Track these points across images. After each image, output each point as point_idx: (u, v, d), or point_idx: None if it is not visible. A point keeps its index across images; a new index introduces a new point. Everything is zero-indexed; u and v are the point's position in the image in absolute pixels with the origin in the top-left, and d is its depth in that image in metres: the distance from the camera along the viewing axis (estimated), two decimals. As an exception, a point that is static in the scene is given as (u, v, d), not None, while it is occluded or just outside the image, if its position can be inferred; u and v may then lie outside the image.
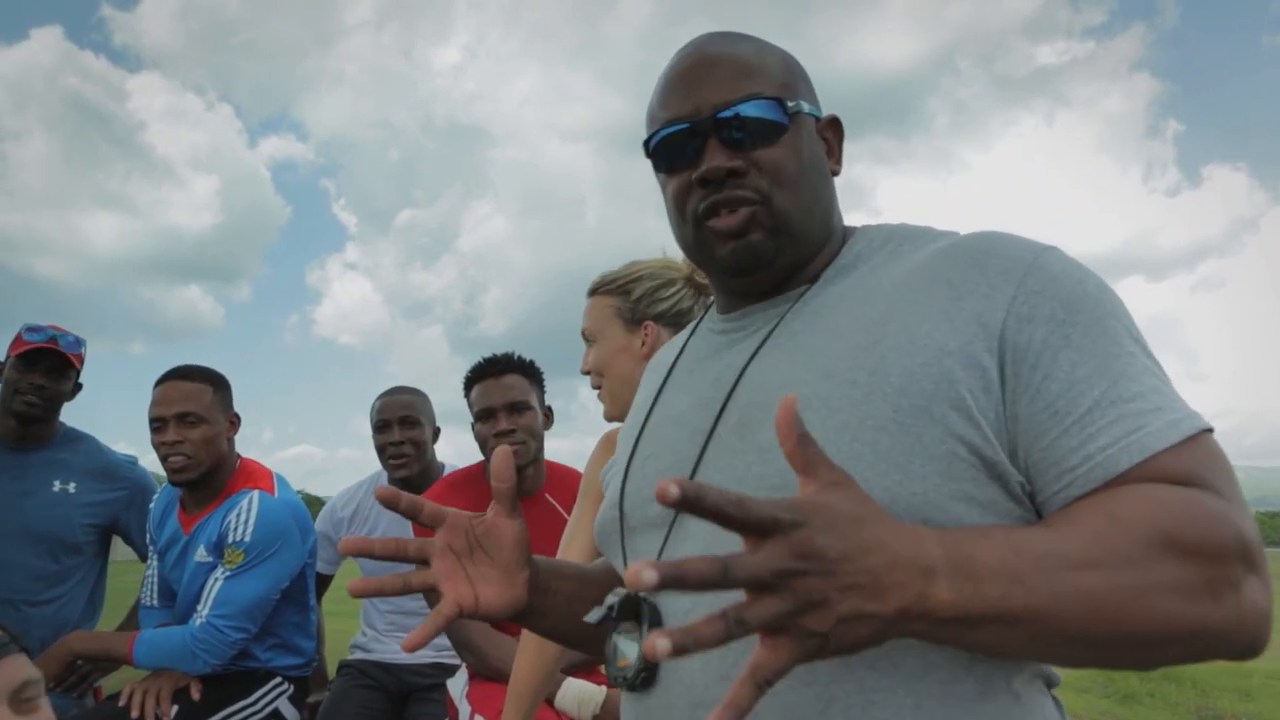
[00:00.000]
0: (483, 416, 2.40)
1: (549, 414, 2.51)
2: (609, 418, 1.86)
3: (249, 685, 2.40)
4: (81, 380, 2.77)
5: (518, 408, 2.39)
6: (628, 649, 0.88)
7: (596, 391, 1.88)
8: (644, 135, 0.99)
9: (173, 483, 2.44)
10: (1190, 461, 0.75)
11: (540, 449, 2.45)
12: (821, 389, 0.83)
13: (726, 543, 0.83)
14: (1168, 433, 0.76)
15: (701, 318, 1.10)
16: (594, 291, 1.90)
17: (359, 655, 2.89)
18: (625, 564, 0.96)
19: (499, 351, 2.50)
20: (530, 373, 2.47)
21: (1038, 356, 0.79)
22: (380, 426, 2.86)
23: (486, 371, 2.44)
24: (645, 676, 0.87)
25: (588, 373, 1.88)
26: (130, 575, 2.72)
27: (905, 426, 0.79)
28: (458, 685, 2.34)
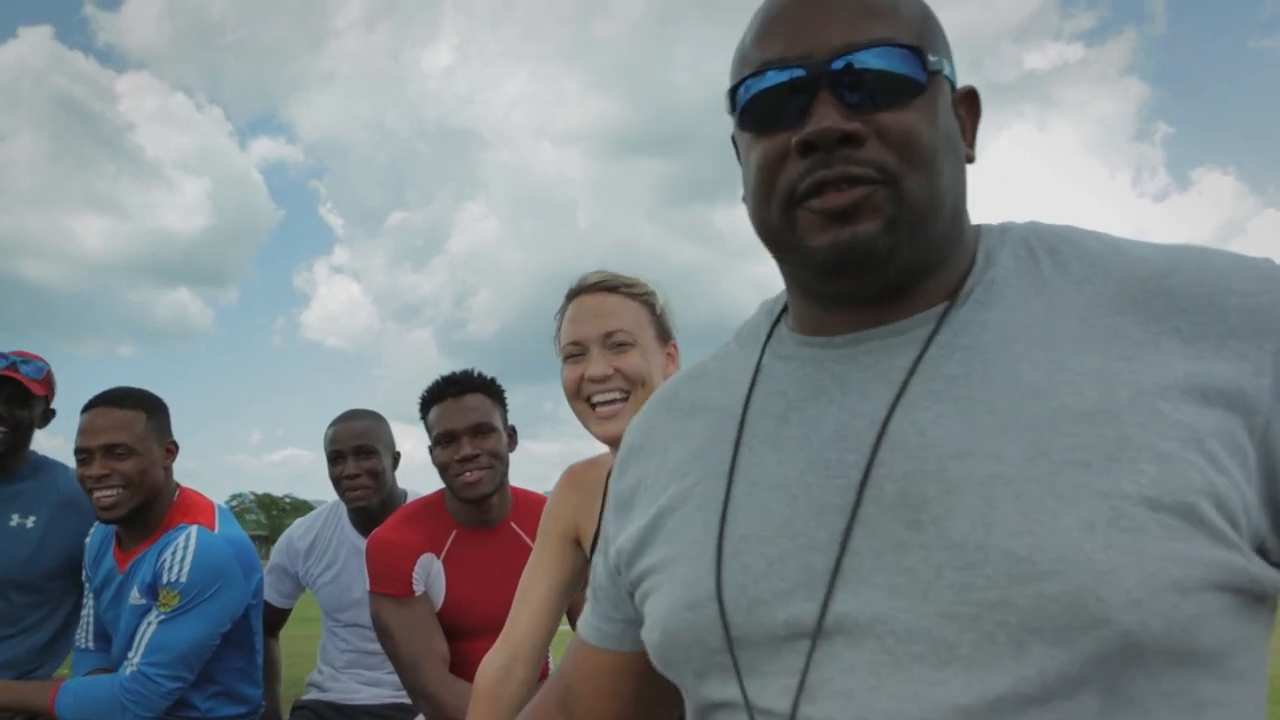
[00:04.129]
0: (443, 440, 2.19)
1: (512, 434, 2.31)
2: (616, 437, 1.46)
3: (187, 738, 2.21)
4: (54, 406, 2.59)
5: (481, 430, 2.18)
6: None
7: (615, 399, 1.50)
8: (735, 104, 0.75)
9: (101, 520, 2.24)
10: None
11: (505, 473, 2.26)
12: (1035, 470, 0.63)
13: (918, 676, 0.62)
14: None
15: (767, 339, 0.83)
16: (615, 289, 1.57)
17: (314, 695, 2.70)
18: (743, 688, 0.71)
19: (461, 368, 2.30)
20: (492, 391, 2.26)
21: None
22: (334, 458, 2.65)
23: (445, 392, 2.22)
24: None
25: (607, 377, 1.50)
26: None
27: (1171, 530, 0.60)
28: (414, 736, 2.16)
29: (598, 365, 1.50)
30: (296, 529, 2.85)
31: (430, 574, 2.22)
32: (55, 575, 2.52)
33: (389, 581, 2.20)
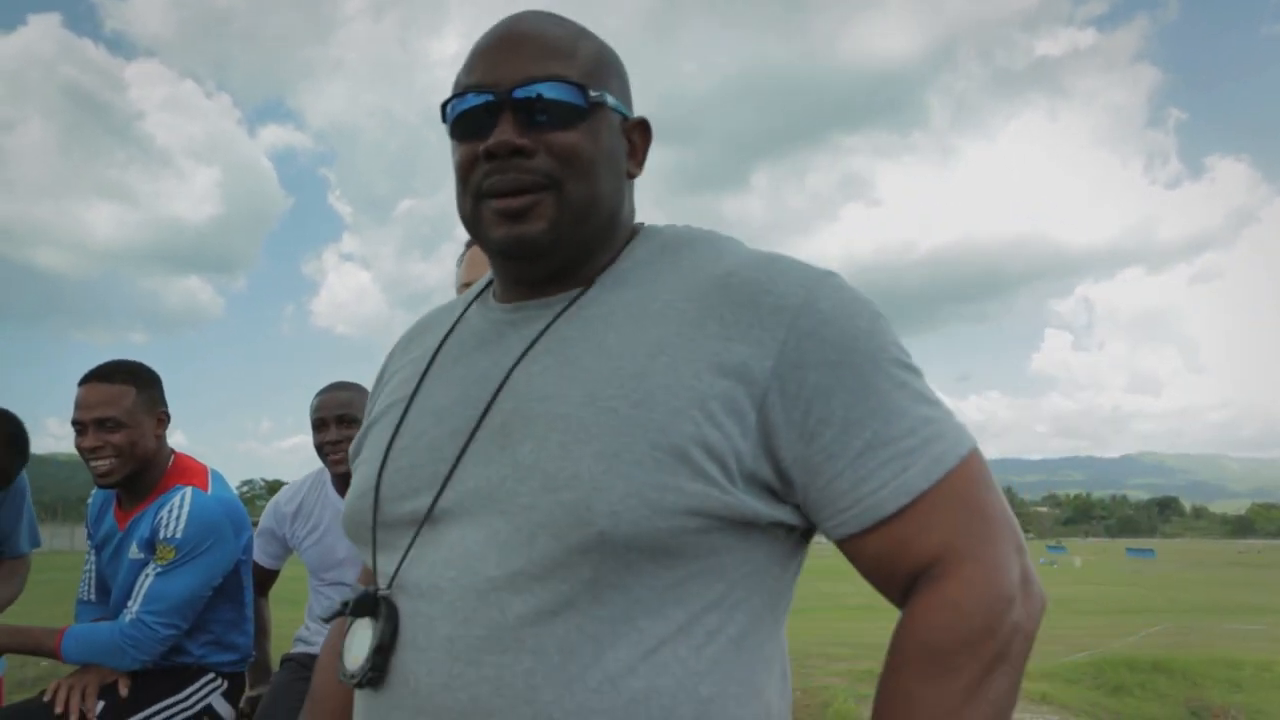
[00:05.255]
0: None
1: None
2: None
3: (180, 681, 2.40)
4: None
5: None
6: (360, 645, 0.87)
7: None
8: (445, 118, 0.95)
9: (99, 486, 2.43)
10: (945, 515, 0.82)
11: None
12: (582, 412, 0.83)
13: (472, 553, 0.84)
14: (931, 470, 0.83)
15: (473, 300, 1.05)
16: None
17: (301, 648, 2.89)
18: (374, 558, 0.94)
19: None
20: None
21: (809, 402, 0.82)
22: (318, 425, 2.84)
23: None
24: (374, 675, 0.86)
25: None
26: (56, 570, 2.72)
27: (660, 464, 0.80)
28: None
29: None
30: (283, 495, 3.04)
31: None
32: None
33: None
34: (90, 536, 2.60)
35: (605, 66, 0.96)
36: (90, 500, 2.63)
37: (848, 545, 0.86)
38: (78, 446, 2.37)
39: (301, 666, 2.82)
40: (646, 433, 0.81)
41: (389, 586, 0.89)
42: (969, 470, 0.84)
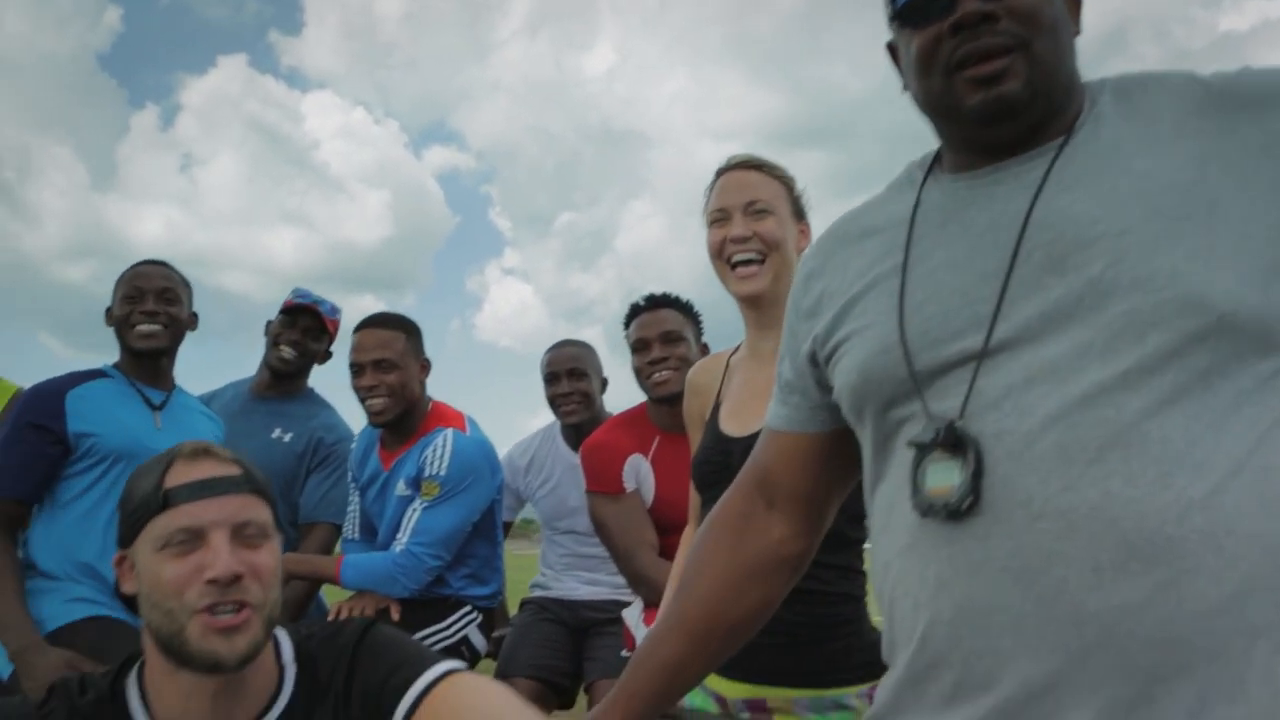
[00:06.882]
0: (638, 348, 2.48)
1: (705, 350, 2.56)
2: (751, 295, 1.71)
3: (443, 611, 2.56)
4: (333, 350, 3.01)
5: (670, 337, 2.45)
6: (946, 476, 0.90)
7: (752, 259, 1.70)
8: (894, 8, 1.01)
9: (372, 424, 2.62)
10: None
11: None
12: (1152, 225, 0.88)
13: (1063, 367, 0.87)
14: None
15: (924, 180, 1.07)
16: (758, 167, 1.77)
17: (539, 593, 3.02)
18: (925, 404, 0.95)
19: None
20: (684, 308, 2.54)
21: None
22: (550, 379, 2.99)
23: (642, 308, 2.54)
24: (973, 500, 0.88)
25: (746, 239, 1.70)
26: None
27: (1254, 252, 0.86)
28: (634, 613, 2.42)
29: (739, 227, 1.71)
30: (516, 449, 3.20)
31: (640, 473, 2.47)
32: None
33: (602, 480, 2.49)
34: (355, 479, 2.80)
35: None
36: (353, 446, 2.84)
37: None
38: (355, 386, 2.57)
39: (540, 608, 2.95)
40: (1231, 227, 0.87)
41: (960, 419, 0.91)
42: None
